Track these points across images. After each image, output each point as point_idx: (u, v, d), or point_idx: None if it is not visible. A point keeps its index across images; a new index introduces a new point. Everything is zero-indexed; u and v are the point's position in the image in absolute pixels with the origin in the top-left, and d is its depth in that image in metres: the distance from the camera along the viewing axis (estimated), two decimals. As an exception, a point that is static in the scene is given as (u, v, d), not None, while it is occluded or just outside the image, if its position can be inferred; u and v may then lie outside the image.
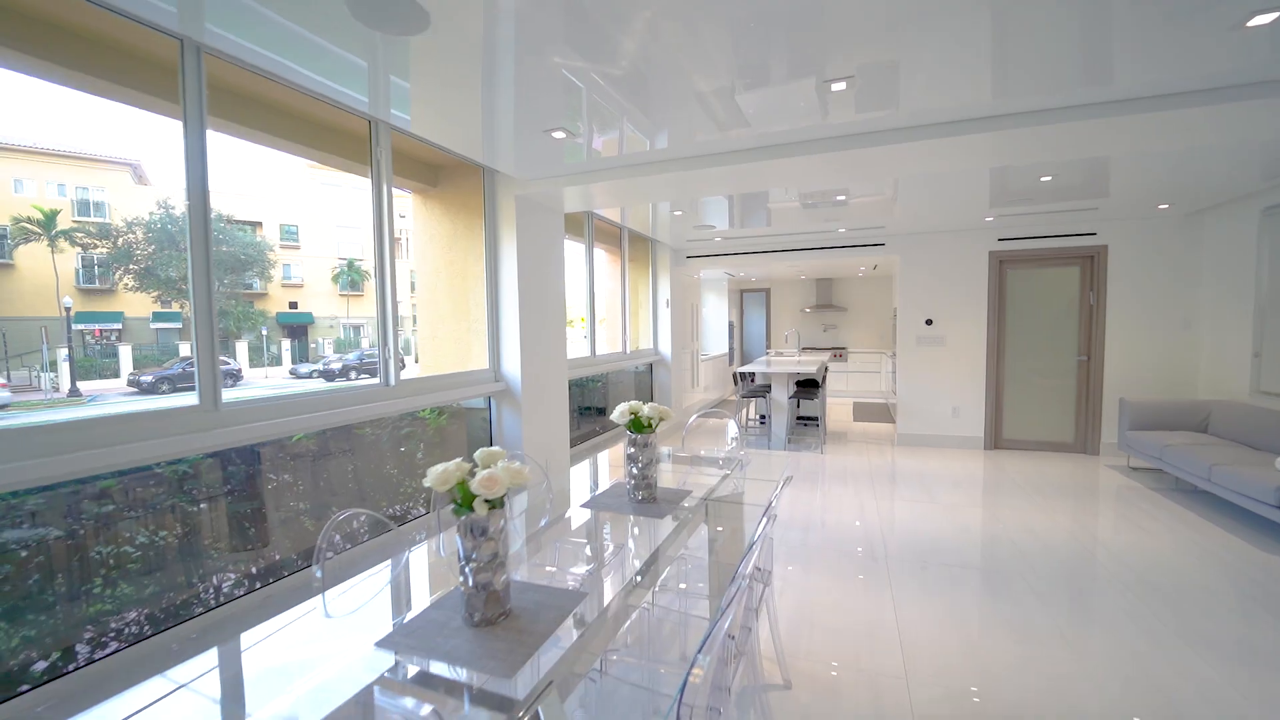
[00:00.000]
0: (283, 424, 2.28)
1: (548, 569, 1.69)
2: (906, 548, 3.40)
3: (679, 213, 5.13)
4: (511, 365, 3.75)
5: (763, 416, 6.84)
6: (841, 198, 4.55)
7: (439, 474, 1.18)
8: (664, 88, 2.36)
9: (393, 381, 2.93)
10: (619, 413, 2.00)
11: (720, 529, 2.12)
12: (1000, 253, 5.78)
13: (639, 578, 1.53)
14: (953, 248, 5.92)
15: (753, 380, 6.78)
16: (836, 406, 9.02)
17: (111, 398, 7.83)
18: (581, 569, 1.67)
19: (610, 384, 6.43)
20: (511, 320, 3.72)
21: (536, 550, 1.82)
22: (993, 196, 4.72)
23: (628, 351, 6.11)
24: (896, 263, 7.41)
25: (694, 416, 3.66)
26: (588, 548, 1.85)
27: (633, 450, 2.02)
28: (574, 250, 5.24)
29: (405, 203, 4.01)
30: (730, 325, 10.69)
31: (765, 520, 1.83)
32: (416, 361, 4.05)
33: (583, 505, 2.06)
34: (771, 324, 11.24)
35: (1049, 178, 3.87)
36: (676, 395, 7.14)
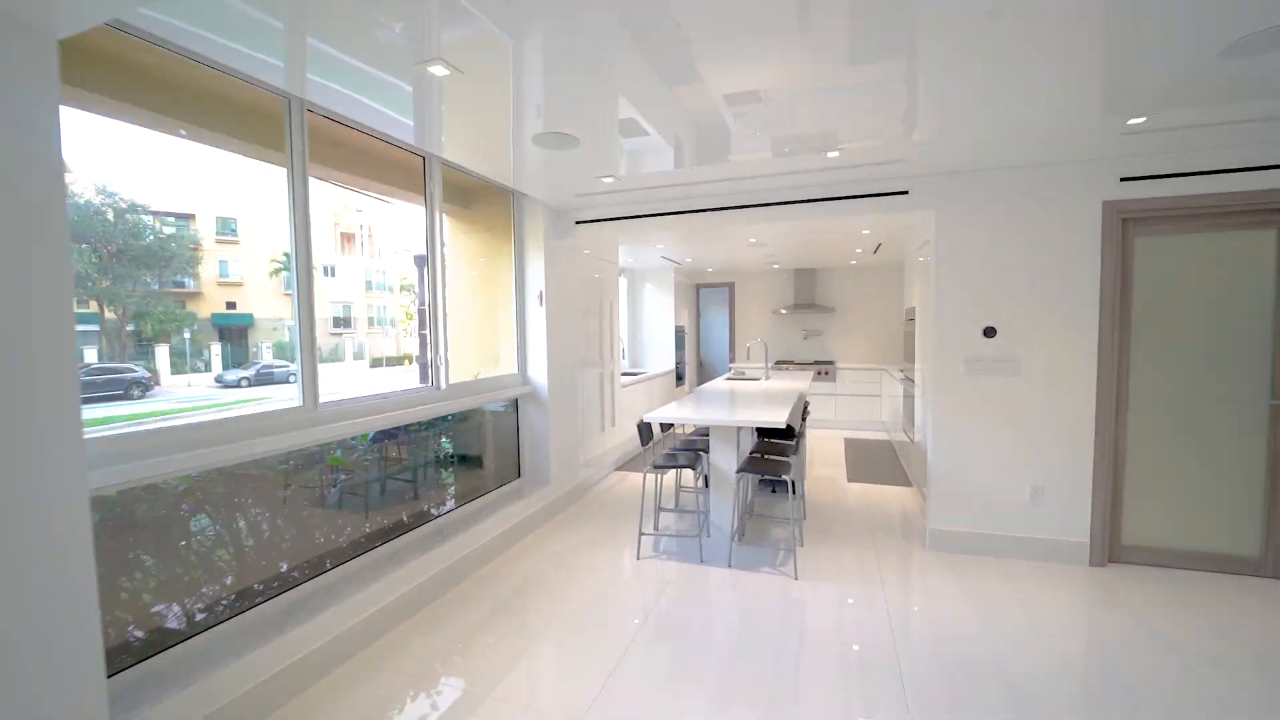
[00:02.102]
0: None
1: None
2: None
3: (539, 130, 2.38)
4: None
5: (705, 478, 4.06)
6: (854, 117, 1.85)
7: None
8: None
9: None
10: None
11: None
12: (1125, 204, 3.13)
13: None
14: (1032, 195, 3.25)
15: (667, 435, 4.05)
16: (822, 443, 6.37)
17: None
18: None
19: (461, 430, 3.75)
20: None
21: None
22: (1112, 88, 2.09)
23: (441, 386, 3.33)
24: (915, 239, 4.77)
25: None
26: None
27: None
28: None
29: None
30: (680, 332, 7.99)
31: None
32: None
33: None
34: (736, 329, 8.57)
35: None
36: (563, 451, 4.40)
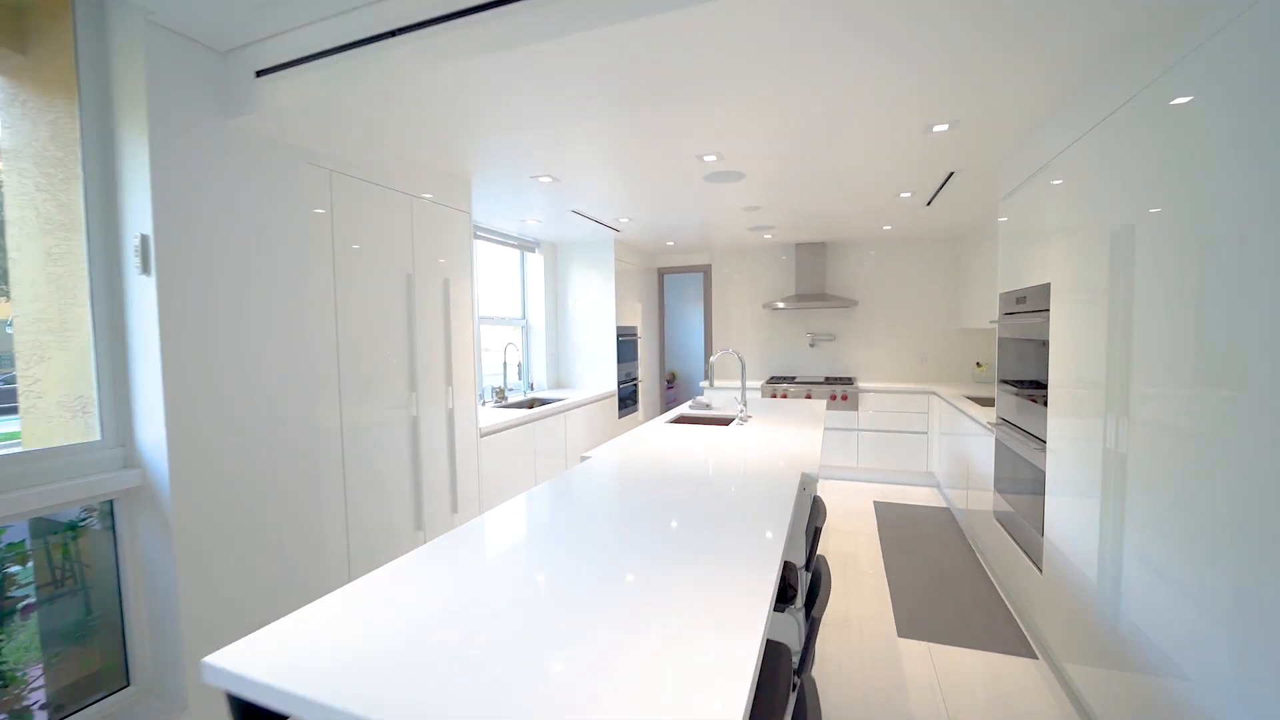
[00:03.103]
0: None
1: None
2: None
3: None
4: None
5: None
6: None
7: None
8: None
9: None
10: None
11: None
12: None
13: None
14: None
15: None
16: (840, 512, 3.88)
17: None
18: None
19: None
20: None
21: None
22: None
23: None
24: (1037, 147, 2.23)
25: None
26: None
27: None
28: None
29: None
30: (628, 334, 5.50)
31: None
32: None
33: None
34: (714, 330, 6.07)
35: None
36: (223, 625, 1.92)
